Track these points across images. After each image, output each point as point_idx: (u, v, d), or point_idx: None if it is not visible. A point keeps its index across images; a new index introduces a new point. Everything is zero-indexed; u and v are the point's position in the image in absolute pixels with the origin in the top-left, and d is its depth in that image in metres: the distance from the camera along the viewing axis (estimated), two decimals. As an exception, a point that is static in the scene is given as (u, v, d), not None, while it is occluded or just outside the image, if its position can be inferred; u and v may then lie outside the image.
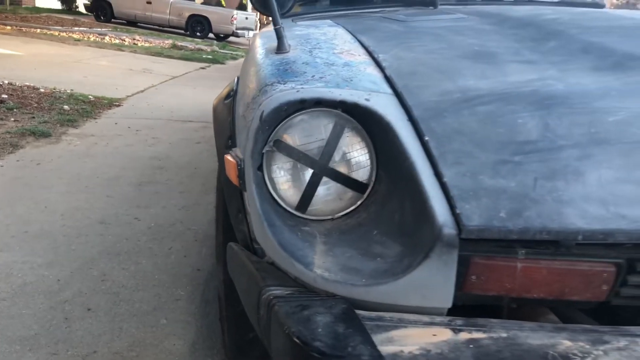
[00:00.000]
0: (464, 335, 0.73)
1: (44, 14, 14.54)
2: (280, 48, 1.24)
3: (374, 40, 1.38)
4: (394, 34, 1.46)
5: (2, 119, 3.94)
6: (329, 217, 1.01)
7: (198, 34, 14.89)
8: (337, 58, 1.19)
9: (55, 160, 3.19)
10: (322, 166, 0.98)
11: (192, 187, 2.92)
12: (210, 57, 10.17)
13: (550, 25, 1.33)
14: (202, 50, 11.41)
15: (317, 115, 0.98)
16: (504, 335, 0.73)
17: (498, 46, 1.23)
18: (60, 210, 2.44)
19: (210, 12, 14.95)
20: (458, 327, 0.75)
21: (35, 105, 4.48)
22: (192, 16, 14.94)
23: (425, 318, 0.78)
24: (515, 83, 1.01)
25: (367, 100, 0.97)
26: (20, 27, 11.18)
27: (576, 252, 0.77)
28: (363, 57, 1.21)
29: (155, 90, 6.03)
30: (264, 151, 0.98)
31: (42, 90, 5.03)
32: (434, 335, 0.73)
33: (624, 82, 1.00)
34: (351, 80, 1.05)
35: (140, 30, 14.12)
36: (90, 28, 12.90)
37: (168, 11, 14.89)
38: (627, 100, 0.94)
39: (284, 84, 1.03)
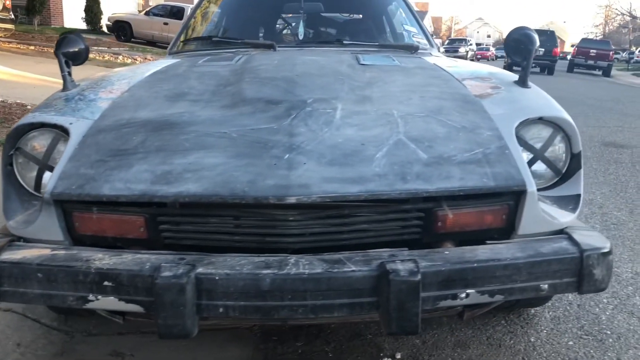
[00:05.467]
0: (53, 252, 1.33)
1: (69, 35, 15.63)
2: (63, 88, 1.86)
3: (149, 80, 1.99)
4: (169, 76, 2.04)
5: (-17, 132, 4.71)
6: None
7: (210, 53, 15.78)
8: (93, 95, 1.80)
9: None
10: (43, 164, 1.59)
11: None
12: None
13: (245, 73, 1.86)
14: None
15: (43, 132, 1.59)
16: (75, 252, 1.33)
17: (201, 88, 1.79)
18: None
19: (223, 32, 15.83)
20: (55, 249, 1.35)
21: (17, 120, 5.24)
22: (205, 36, 15.90)
23: (46, 245, 1.39)
24: (166, 115, 1.60)
25: (71, 124, 1.58)
26: (43, 47, 12.21)
27: (122, 210, 1.37)
28: (115, 93, 1.82)
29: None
30: (10, 154, 1.60)
31: (29, 107, 5.82)
32: (38, 252, 1.34)
33: (223, 115, 1.55)
34: (78, 111, 1.66)
35: (155, 49, 15.10)
36: (108, 48, 13.92)
37: (183, 32, 15.84)
38: (207, 126, 1.49)
39: (33, 112, 1.65)
